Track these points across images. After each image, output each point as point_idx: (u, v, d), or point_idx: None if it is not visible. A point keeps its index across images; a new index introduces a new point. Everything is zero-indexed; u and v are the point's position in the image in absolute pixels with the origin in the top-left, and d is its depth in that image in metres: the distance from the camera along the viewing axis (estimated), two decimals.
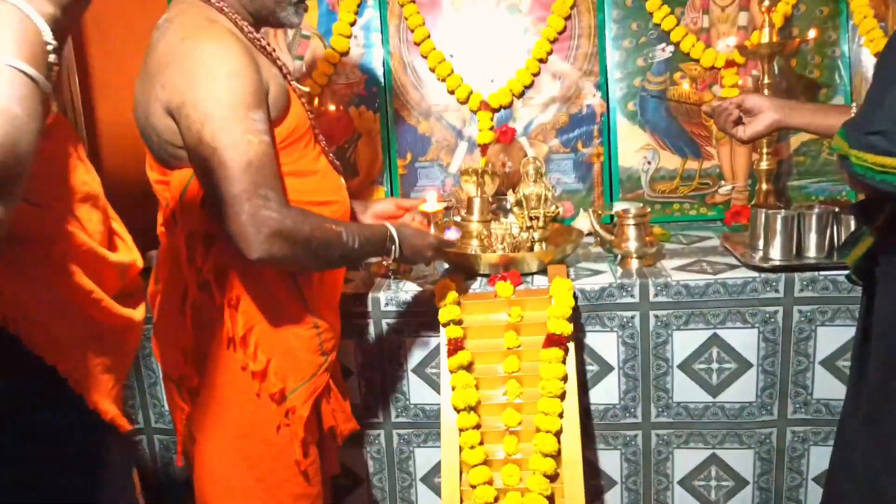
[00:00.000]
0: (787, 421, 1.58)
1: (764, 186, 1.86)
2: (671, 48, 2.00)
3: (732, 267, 1.59)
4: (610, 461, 1.63)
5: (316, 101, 2.07)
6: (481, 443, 1.44)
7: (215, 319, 1.22)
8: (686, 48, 1.98)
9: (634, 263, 1.63)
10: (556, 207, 1.74)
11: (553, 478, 1.41)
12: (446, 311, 1.51)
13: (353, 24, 2.04)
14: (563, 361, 1.45)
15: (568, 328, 1.46)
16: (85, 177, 0.87)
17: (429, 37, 2.03)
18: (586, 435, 1.58)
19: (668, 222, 2.01)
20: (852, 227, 1.54)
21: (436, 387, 1.59)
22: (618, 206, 1.85)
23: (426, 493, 1.67)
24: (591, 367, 1.59)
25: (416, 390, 1.62)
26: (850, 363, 1.50)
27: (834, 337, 1.53)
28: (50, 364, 0.76)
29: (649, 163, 2.03)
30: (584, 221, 1.89)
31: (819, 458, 1.58)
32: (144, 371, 1.69)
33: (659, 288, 1.54)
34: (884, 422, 1.16)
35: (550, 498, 1.40)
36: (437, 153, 2.07)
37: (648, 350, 1.56)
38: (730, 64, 1.97)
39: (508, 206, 1.80)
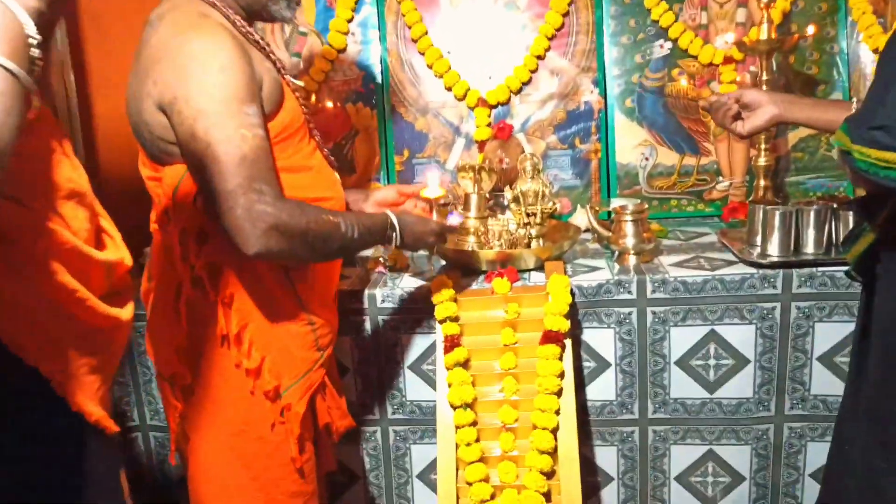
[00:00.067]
0: (784, 417, 1.55)
1: (762, 182, 1.83)
2: (669, 45, 1.96)
3: (730, 263, 1.56)
4: (607, 457, 1.60)
5: (313, 97, 2.03)
6: (478, 440, 1.42)
7: (209, 317, 1.19)
8: (684, 44, 1.94)
9: (632, 260, 1.60)
10: (554, 204, 1.71)
11: (550, 475, 1.38)
12: (443, 308, 1.48)
13: (350, 21, 2.01)
14: (560, 358, 1.43)
15: (565, 325, 1.43)
16: (70, 173, 0.83)
17: (426, 33, 1.99)
18: (583, 431, 1.55)
19: (665, 218, 1.98)
20: (851, 224, 1.51)
21: (432, 383, 1.56)
22: (615, 203, 1.82)
23: (423, 489, 1.64)
24: (588, 364, 1.56)
25: (412, 387, 1.59)
26: (848, 359, 1.47)
27: (832, 333, 1.50)
28: (31, 365, 0.73)
29: (647, 159, 2.00)
30: (581, 218, 1.86)
31: (816, 455, 1.55)
32: (139, 368, 1.66)
33: (656, 284, 1.50)
34: (884, 419, 1.13)
35: (547, 495, 1.37)
36: (434, 150, 2.03)
37: (646, 346, 1.53)
38: (728, 60, 1.93)
39: (506, 203, 1.77)
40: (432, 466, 1.60)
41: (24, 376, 0.75)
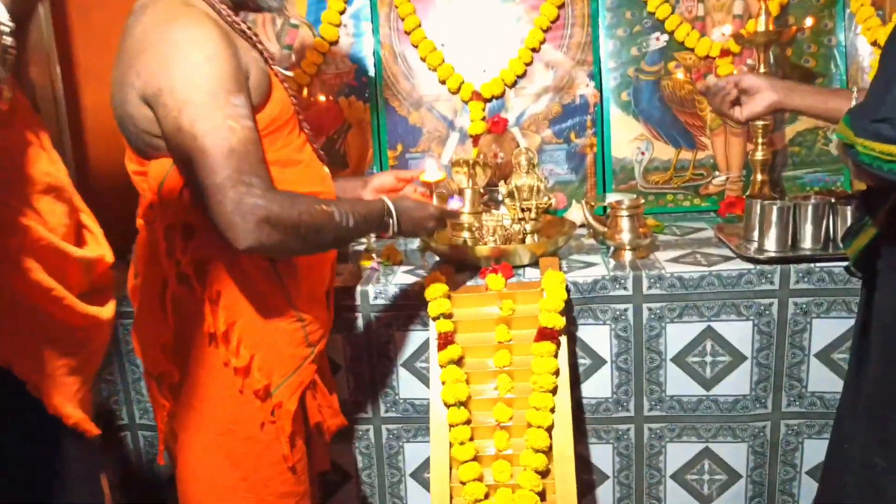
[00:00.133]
0: (781, 414, 1.52)
1: (759, 177, 1.80)
2: (665, 37, 1.93)
3: (727, 259, 1.54)
4: (602, 455, 1.58)
5: (305, 91, 1.99)
6: (471, 438, 1.39)
7: (196, 314, 1.16)
8: (681, 37, 1.91)
9: (627, 255, 1.57)
10: (549, 199, 1.68)
11: (544, 473, 1.35)
12: (436, 305, 1.45)
13: (342, 13, 1.97)
14: (555, 355, 1.40)
15: (560, 322, 1.40)
16: (48, 167, 0.80)
17: (419, 26, 1.96)
18: (578, 429, 1.52)
19: (661, 214, 1.95)
20: (849, 218, 1.48)
21: (426, 381, 1.53)
22: (611, 198, 1.79)
23: (416, 488, 1.61)
24: (584, 361, 1.53)
25: (405, 385, 1.56)
26: (846, 356, 1.45)
27: (829, 329, 1.48)
28: (3, 366, 0.70)
29: (643, 153, 1.97)
30: (576, 213, 1.83)
31: (813, 452, 1.53)
32: (128, 366, 1.63)
33: (652, 280, 1.48)
34: (884, 417, 1.11)
35: (542, 494, 1.34)
36: (428, 144, 2.00)
37: (641, 343, 1.50)
38: (725, 53, 1.90)
39: (500, 198, 1.74)
40: (426, 465, 1.57)
41: None
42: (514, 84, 1.97)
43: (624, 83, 1.95)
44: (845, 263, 1.43)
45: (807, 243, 1.51)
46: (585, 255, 1.64)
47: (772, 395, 1.51)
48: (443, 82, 1.97)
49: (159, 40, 1.02)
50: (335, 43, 1.98)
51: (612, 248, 1.61)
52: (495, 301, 1.48)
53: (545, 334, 1.40)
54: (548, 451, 1.35)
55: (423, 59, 1.97)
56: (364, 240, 1.79)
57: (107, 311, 0.83)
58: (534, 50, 1.96)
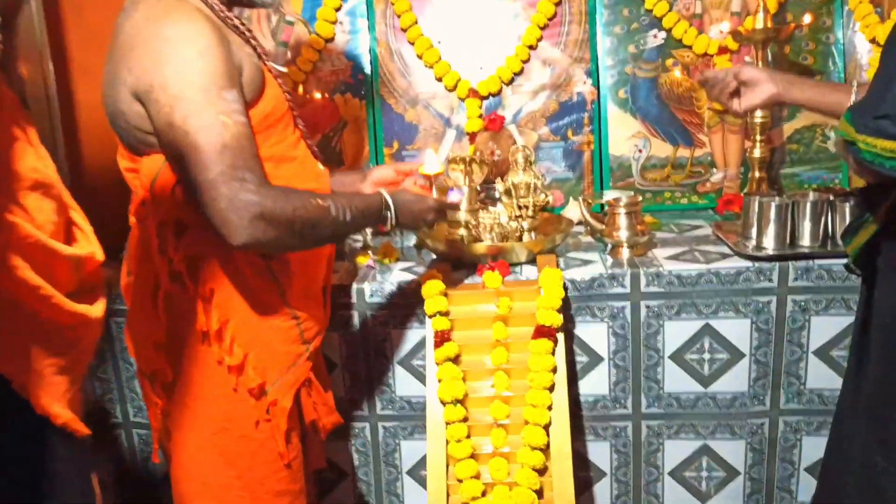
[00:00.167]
0: (779, 411, 1.51)
1: (756, 174, 1.79)
2: (663, 34, 1.91)
3: (725, 256, 1.52)
4: (599, 453, 1.56)
5: (300, 88, 1.97)
6: (468, 436, 1.37)
7: (188, 312, 1.14)
8: (678, 34, 1.89)
9: (625, 253, 1.56)
10: (546, 196, 1.66)
11: (542, 471, 1.34)
12: (433, 303, 1.43)
13: (338, 10, 1.95)
14: (553, 353, 1.38)
15: (557, 319, 1.38)
16: (35, 163, 0.78)
17: (416, 23, 1.93)
18: (575, 427, 1.51)
19: (659, 211, 1.93)
20: (847, 215, 1.47)
21: (422, 379, 1.52)
22: (608, 195, 1.77)
23: (413, 486, 1.60)
24: (581, 359, 1.51)
25: (401, 382, 1.54)
26: (844, 353, 1.44)
27: (828, 327, 1.46)
28: None
29: (640, 151, 1.95)
30: (574, 210, 1.81)
31: (811, 449, 1.52)
32: (122, 365, 1.61)
33: (650, 278, 1.46)
34: (884, 417, 1.09)
35: (539, 492, 1.33)
36: (424, 141, 1.98)
37: (639, 341, 1.49)
38: (723, 50, 1.89)
39: (497, 195, 1.72)
40: (423, 462, 1.56)
41: None
42: (511, 81, 1.95)
43: (621, 80, 1.94)
44: (844, 261, 1.42)
45: (805, 241, 1.50)
46: (583, 253, 1.62)
47: (770, 392, 1.50)
48: (439, 79, 1.95)
49: (151, 36, 1.00)
50: (331, 40, 1.96)
51: (609, 246, 1.59)
52: (492, 299, 1.46)
53: (542, 332, 1.38)
54: (545, 449, 1.34)
55: (420, 57, 1.95)
56: (360, 237, 1.77)
57: (96, 309, 0.81)
58: (531, 47, 1.94)
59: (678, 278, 1.46)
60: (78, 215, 0.86)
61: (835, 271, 1.44)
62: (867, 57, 1.85)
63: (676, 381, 1.51)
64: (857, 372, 1.23)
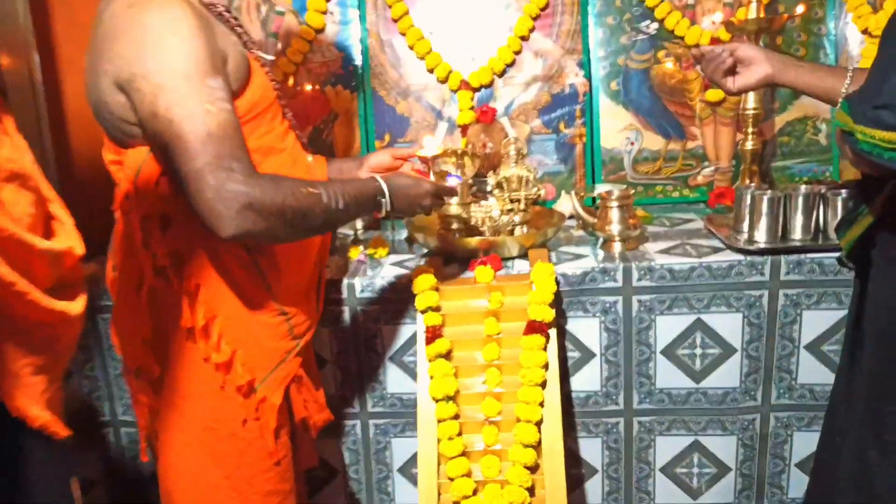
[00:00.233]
0: (770, 406, 1.50)
1: (748, 167, 1.77)
2: (655, 25, 1.89)
3: (717, 250, 1.50)
4: (591, 449, 1.55)
5: (291, 79, 1.94)
6: (460, 433, 1.35)
7: (174, 307, 1.11)
8: (671, 25, 1.87)
9: (617, 247, 1.54)
10: (538, 190, 1.64)
11: (533, 469, 1.32)
12: (424, 298, 1.41)
13: (328, 0, 1.91)
14: (545, 349, 1.36)
15: (549, 314, 1.36)
16: (11, 153, 0.75)
17: (407, 13, 1.90)
18: (567, 423, 1.49)
19: (650, 205, 1.91)
20: (839, 208, 1.46)
21: (414, 375, 1.49)
22: (600, 188, 1.75)
23: (404, 483, 1.58)
24: (573, 354, 1.49)
25: (393, 379, 1.52)
26: (836, 348, 1.43)
27: (820, 321, 1.45)
28: None
29: (632, 143, 1.93)
30: (566, 204, 1.79)
31: (802, 444, 1.51)
32: (110, 362, 1.58)
33: (642, 272, 1.44)
34: (879, 411, 1.08)
35: (531, 489, 1.31)
36: (416, 134, 1.95)
37: (631, 336, 1.47)
38: (715, 41, 1.86)
39: (489, 189, 1.70)
40: (414, 460, 1.53)
41: None
42: (502, 73, 1.93)
43: (613, 72, 1.91)
44: (836, 254, 1.41)
45: (797, 234, 1.49)
46: (574, 247, 1.60)
47: (761, 387, 1.49)
48: (431, 71, 1.92)
49: (131, 24, 0.97)
50: (321, 31, 1.92)
51: (601, 240, 1.57)
52: (484, 294, 1.44)
53: (534, 327, 1.36)
54: (537, 446, 1.32)
55: (411, 48, 1.92)
56: (351, 231, 1.74)
57: (76, 306, 0.78)
58: (523, 38, 1.91)
59: (670, 272, 1.44)
60: (58, 208, 0.83)
61: (827, 265, 1.42)
62: (859, 48, 1.84)
63: (668, 376, 1.49)
64: (849, 366, 1.21)
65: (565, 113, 1.93)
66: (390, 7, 1.90)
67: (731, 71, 1.33)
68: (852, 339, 1.20)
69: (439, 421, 1.34)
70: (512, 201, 1.61)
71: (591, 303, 1.46)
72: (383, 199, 1.18)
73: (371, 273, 1.51)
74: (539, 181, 1.73)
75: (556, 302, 1.42)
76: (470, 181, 1.64)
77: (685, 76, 1.90)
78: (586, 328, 1.48)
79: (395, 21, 1.91)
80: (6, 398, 0.68)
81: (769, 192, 1.49)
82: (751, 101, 1.72)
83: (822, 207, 1.49)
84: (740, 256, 1.45)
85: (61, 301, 0.75)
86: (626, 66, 1.91)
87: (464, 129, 1.92)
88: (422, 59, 1.92)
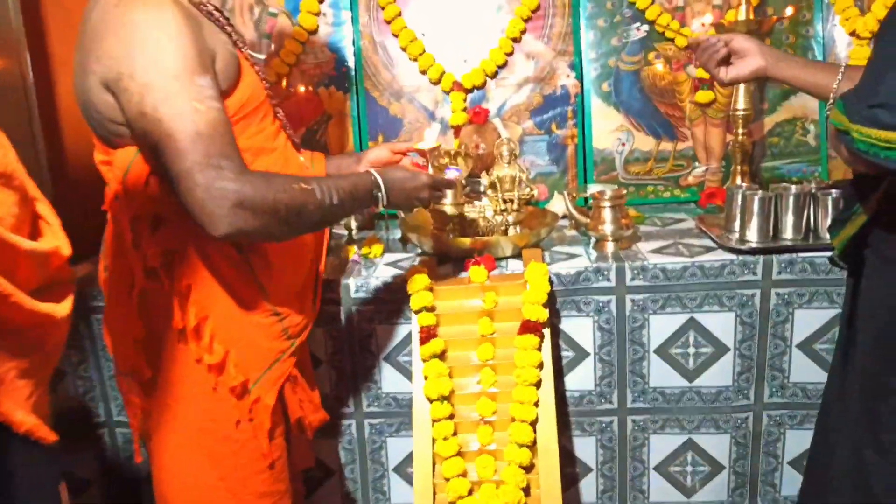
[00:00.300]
0: (763, 405, 1.48)
1: (739, 167, 1.75)
2: (646, 27, 1.87)
3: (709, 249, 1.48)
4: (585, 448, 1.52)
5: (284, 81, 1.90)
6: (455, 433, 1.32)
7: (165, 308, 1.07)
8: (661, 27, 1.85)
9: (610, 246, 1.51)
10: (531, 190, 1.61)
11: (528, 468, 1.29)
12: (418, 298, 1.38)
13: (321, 1, 1.88)
14: (539, 348, 1.33)
15: (543, 314, 1.34)
16: None
17: (400, 14, 1.87)
18: (561, 422, 1.46)
19: (642, 205, 1.89)
20: (830, 208, 1.44)
21: (408, 375, 1.46)
22: (592, 189, 1.73)
23: (399, 483, 1.54)
24: (567, 353, 1.47)
25: (388, 379, 1.49)
26: (828, 346, 1.41)
27: (811, 320, 1.43)
28: None
29: (623, 144, 1.91)
30: (558, 204, 1.77)
31: (795, 442, 1.49)
32: (104, 362, 1.53)
33: (636, 271, 1.42)
34: (874, 410, 1.05)
35: (526, 489, 1.28)
36: (409, 135, 1.92)
37: (625, 335, 1.45)
38: None
39: (482, 189, 1.67)
40: (409, 460, 1.50)
41: None
42: (495, 74, 1.90)
43: (605, 74, 1.89)
44: (828, 254, 1.39)
45: (788, 233, 1.47)
46: (568, 247, 1.57)
47: (754, 385, 1.46)
48: (423, 72, 1.89)
49: (118, 23, 0.93)
50: (314, 32, 1.89)
51: (594, 240, 1.55)
52: (478, 294, 1.41)
53: (529, 327, 1.33)
54: (532, 446, 1.29)
55: (404, 49, 1.89)
56: (345, 231, 1.71)
57: (63, 308, 0.75)
58: (515, 40, 1.88)
59: (663, 272, 1.42)
60: (45, 208, 0.79)
61: (818, 264, 1.40)
62: (846, 51, 1.82)
63: (661, 375, 1.47)
64: (843, 364, 1.19)
65: (557, 114, 1.91)
66: (383, 9, 1.87)
67: (725, 61, 1.31)
68: (846, 337, 1.18)
69: (434, 421, 1.32)
70: (505, 201, 1.59)
71: (584, 302, 1.44)
72: (379, 193, 1.14)
73: (365, 273, 1.48)
74: (532, 181, 1.70)
75: (550, 302, 1.39)
76: (463, 181, 1.61)
77: (675, 77, 1.88)
78: (580, 328, 1.45)
79: (388, 22, 1.88)
80: None
81: (760, 192, 1.48)
82: (741, 101, 1.70)
83: (812, 207, 1.47)
84: (732, 256, 1.43)
85: (47, 303, 0.72)
86: (617, 67, 1.89)
87: (456, 129, 1.89)
88: (415, 60, 1.89)
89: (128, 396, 1.17)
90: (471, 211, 1.60)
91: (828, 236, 1.37)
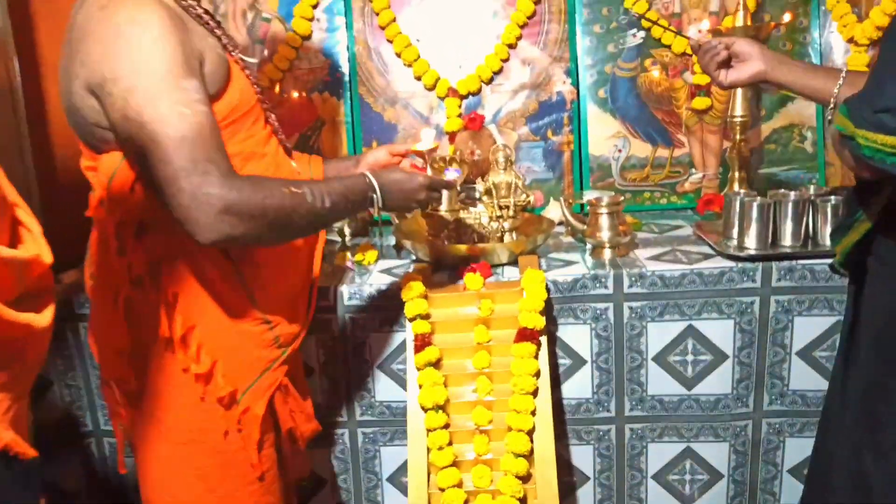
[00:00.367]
0: (762, 413, 1.45)
1: (736, 174, 1.73)
2: (642, 34, 1.85)
3: (707, 256, 1.45)
4: (583, 456, 1.49)
5: (277, 86, 1.87)
6: (450, 443, 1.29)
7: (151, 317, 1.04)
8: (657, 33, 1.83)
9: (607, 253, 1.49)
10: (527, 196, 1.58)
11: (525, 478, 1.26)
12: (413, 306, 1.34)
13: (315, 7, 1.85)
14: (536, 356, 1.30)
15: (540, 322, 1.30)
16: None
17: (394, 20, 1.85)
18: (558, 430, 1.43)
19: (638, 211, 1.87)
20: (829, 215, 1.42)
21: (403, 383, 1.43)
22: (589, 195, 1.70)
23: (393, 493, 1.51)
24: (564, 361, 1.44)
25: (382, 387, 1.45)
26: (828, 354, 1.39)
27: (811, 327, 1.40)
28: None
29: (620, 151, 1.88)
30: (555, 211, 1.74)
31: (794, 451, 1.46)
32: (91, 371, 1.50)
33: (633, 279, 1.39)
34: (875, 419, 1.03)
35: (523, 499, 1.25)
36: (403, 141, 1.89)
37: (622, 343, 1.42)
38: None
39: (478, 195, 1.64)
40: (403, 469, 1.47)
41: None
42: (490, 81, 1.88)
43: (601, 80, 1.87)
44: (829, 261, 1.36)
45: (787, 240, 1.44)
46: (564, 254, 1.55)
47: (753, 393, 1.44)
48: (418, 78, 1.87)
49: (102, 25, 0.90)
50: (308, 37, 1.86)
51: (591, 247, 1.52)
52: (474, 301, 1.38)
53: (525, 335, 1.30)
54: (528, 455, 1.26)
55: (399, 55, 1.86)
56: (339, 238, 1.68)
57: (43, 318, 0.71)
58: (510, 46, 1.86)
59: (661, 279, 1.39)
60: (25, 214, 0.76)
61: (818, 271, 1.38)
62: (843, 57, 1.80)
63: (660, 383, 1.44)
64: (844, 371, 1.17)
65: (553, 120, 1.88)
66: (377, 14, 1.85)
67: (726, 64, 1.29)
68: (847, 345, 1.15)
69: (429, 430, 1.28)
70: (501, 208, 1.56)
71: (581, 310, 1.41)
72: (374, 195, 1.10)
73: (359, 280, 1.45)
74: (528, 188, 1.68)
75: (547, 309, 1.36)
76: (458, 188, 1.58)
77: (672, 84, 1.86)
78: (577, 335, 1.42)
79: (383, 28, 1.85)
80: None
81: (759, 198, 1.45)
82: (738, 108, 1.68)
83: (811, 214, 1.45)
84: (731, 263, 1.40)
85: (26, 313, 0.69)
86: (613, 74, 1.86)
87: (452, 136, 1.87)
88: (409, 66, 1.86)
89: (113, 406, 1.14)
90: (466, 217, 1.57)
91: (828, 243, 1.35)
